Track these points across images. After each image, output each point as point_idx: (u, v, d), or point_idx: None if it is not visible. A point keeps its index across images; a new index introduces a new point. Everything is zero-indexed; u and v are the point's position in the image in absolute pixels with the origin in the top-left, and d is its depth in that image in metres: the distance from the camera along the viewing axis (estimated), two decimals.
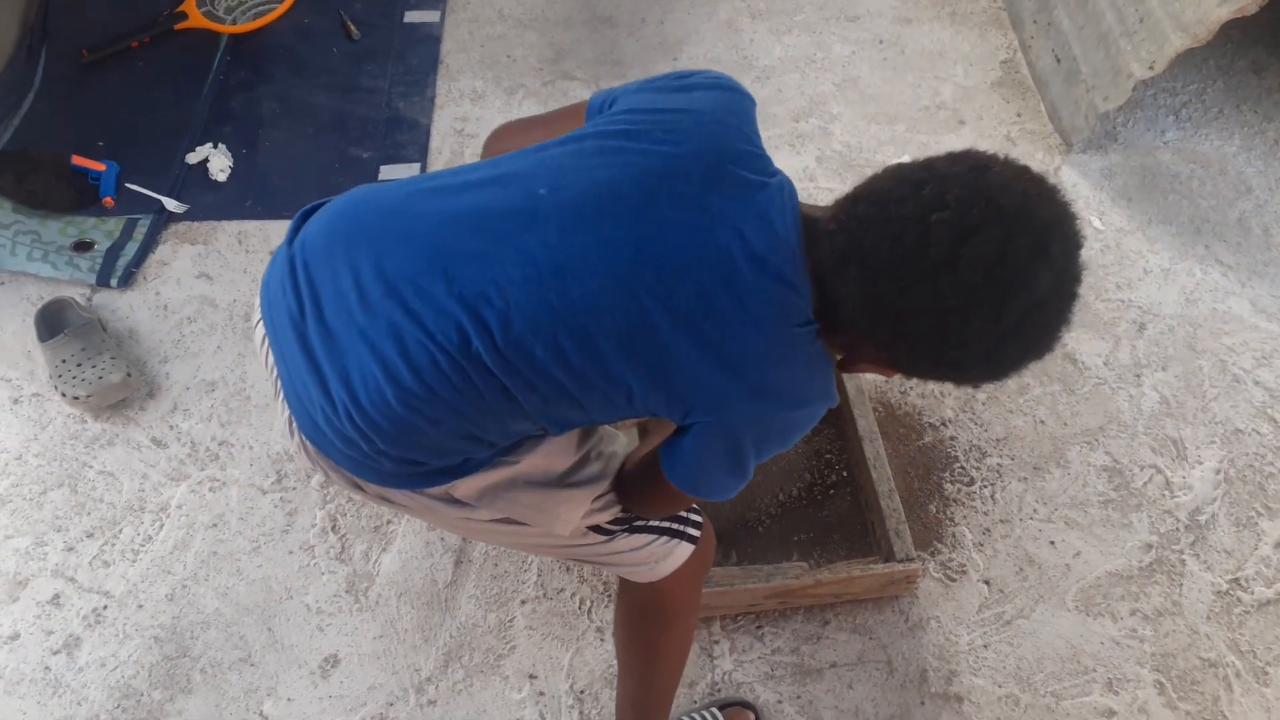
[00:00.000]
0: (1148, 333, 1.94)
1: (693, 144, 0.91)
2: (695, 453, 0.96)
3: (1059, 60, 2.28)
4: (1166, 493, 1.74)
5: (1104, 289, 2.00)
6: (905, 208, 0.81)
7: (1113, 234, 2.09)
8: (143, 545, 1.68)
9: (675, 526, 1.16)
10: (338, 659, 1.58)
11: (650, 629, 1.24)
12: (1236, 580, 1.64)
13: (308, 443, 0.99)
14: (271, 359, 1.00)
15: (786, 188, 0.92)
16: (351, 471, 1.00)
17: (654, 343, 0.88)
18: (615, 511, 1.13)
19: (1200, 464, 1.77)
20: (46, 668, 1.56)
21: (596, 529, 1.14)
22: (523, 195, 0.90)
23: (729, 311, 0.87)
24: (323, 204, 1.03)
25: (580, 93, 2.46)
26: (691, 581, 1.21)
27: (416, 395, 0.89)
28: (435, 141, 2.29)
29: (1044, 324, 0.83)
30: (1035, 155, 2.25)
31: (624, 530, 1.15)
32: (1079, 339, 1.93)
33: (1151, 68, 1.97)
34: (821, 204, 0.96)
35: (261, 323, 1.00)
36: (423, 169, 2.25)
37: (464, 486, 1.02)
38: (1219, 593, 1.63)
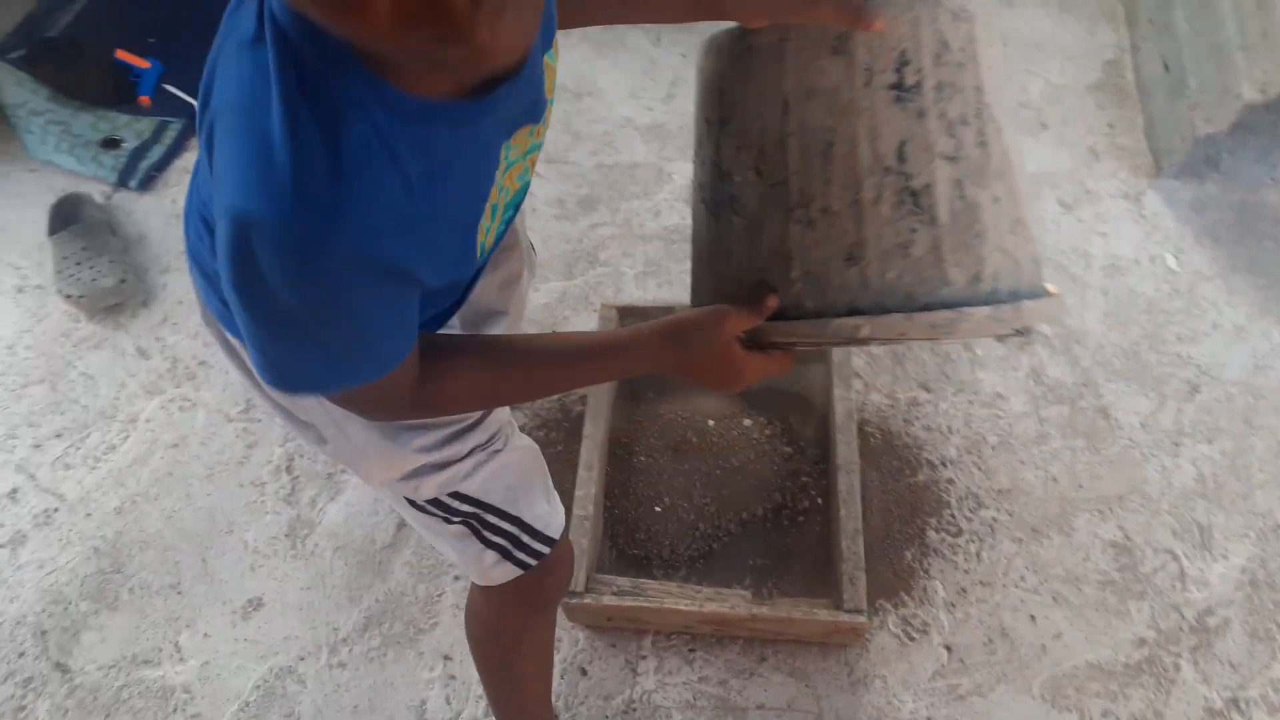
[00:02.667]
0: (1200, 397, 1.64)
1: None
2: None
3: (1168, 68, 1.93)
4: (1178, 584, 1.47)
5: (1162, 339, 1.70)
6: None
7: (1188, 277, 1.77)
8: (105, 454, 1.62)
9: (500, 542, 0.96)
10: (262, 602, 1.50)
11: (478, 637, 1.09)
12: (1235, 700, 1.38)
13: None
14: None
15: None
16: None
17: None
18: (433, 491, 0.92)
19: (1225, 558, 1.49)
20: None
21: (411, 502, 0.95)
22: None
23: None
24: None
25: None
26: (523, 607, 1.02)
27: None
28: None
29: None
30: (1119, 174, 1.93)
31: (439, 516, 0.95)
32: (1118, 392, 1.65)
33: (1264, 91, 1.63)
34: None
35: None
36: None
37: None
38: (1211, 710, 1.37)
